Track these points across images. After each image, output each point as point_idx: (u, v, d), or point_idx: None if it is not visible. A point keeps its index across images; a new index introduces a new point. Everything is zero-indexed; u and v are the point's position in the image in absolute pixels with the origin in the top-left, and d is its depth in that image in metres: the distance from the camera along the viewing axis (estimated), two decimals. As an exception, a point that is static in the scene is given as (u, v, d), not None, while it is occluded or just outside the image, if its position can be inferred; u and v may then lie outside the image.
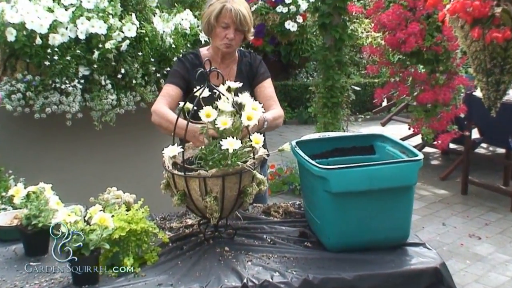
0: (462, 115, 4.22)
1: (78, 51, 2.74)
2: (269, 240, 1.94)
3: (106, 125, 2.93)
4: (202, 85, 1.85)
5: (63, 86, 2.74)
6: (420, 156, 1.82)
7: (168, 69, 3.05)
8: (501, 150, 5.77)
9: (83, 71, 2.78)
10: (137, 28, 2.89)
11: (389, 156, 2.01)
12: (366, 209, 1.80)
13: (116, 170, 3.37)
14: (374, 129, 7.52)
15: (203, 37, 3.19)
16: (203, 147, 1.87)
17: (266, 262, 1.76)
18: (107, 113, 2.91)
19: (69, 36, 2.73)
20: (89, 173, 3.29)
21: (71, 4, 2.79)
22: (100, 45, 2.77)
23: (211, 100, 1.92)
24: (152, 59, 3.03)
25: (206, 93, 1.86)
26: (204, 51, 2.53)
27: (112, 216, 1.70)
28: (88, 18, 2.74)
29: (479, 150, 6.23)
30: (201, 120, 1.82)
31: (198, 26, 3.25)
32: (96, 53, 2.76)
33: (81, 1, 2.79)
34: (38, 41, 2.63)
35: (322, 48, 4.79)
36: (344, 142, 2.21)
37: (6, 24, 2.60)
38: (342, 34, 4.65)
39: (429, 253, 1.84)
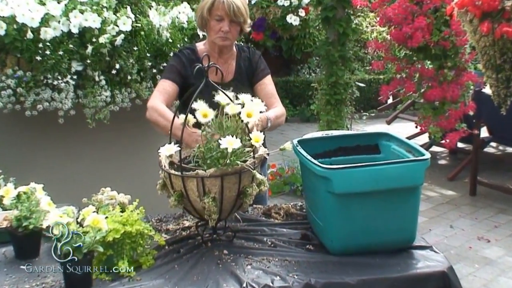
0: (471, 113, 4.22)
1: (71, 45, 2.74)
2: (269, 243, 1.94)
3: (100, 123, 2.93)
4: (200, 82, 1.84)
5: (55, 82, 2.73)
6: (427, 155, 1.82)
7: (165, 64, 3.05)
8: (511, 150, 5.77)
9: (76, 66, 2.78)
10: (132, 21, 2.88)
11: (395, 156, 2.01)
12: (370, 210, 1.80)
13: (111, 169, 3.37)
14: (379, 127, 7.52)
15: (201, 31, 3.19)
16: (200, 145, 1.86)
17: (267, 266, 1.76)
18: (101, 110, 2.90)
19: (62, 30, 2.72)
20: (82, 173, 3.29)
21: (64, -4, 2.79)
22: (94, 40, 2.77)
23: (210, 97, 1.92)
24: (148, 54, 3.02)
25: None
26: (200, 46, 2.53)
27: (106, 217, 1.70)
28: (82, 11, 2.73)
29: (488, 150, 6.23)
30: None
31: (196, 20, 3.25)
32: (90, 48, 2.76)
33: (74, -6, 2.79)
34: (29, 35, 2.62)
35: (325, 43, 4.79)
36: (348, 140, 2.21)
37: (-5, 18, 2.60)
38: (346, 28, 4.65)
39: (436, 257, 1.84)
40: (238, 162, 1.77)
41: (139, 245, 1.75)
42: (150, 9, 3.12)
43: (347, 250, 1.84)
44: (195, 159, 1.87)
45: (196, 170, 1.77)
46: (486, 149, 5.85)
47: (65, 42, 2.73)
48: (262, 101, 1.92)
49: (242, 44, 3.04)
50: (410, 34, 3.95)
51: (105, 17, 2.78)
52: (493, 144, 6.43)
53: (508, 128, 5.00)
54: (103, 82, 2.88)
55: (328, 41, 4.77)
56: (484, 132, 5.63)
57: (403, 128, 6.89)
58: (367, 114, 6.67)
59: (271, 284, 1.65)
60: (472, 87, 4.29)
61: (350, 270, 1.74)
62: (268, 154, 1.96)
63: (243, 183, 1.80)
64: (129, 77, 2.96)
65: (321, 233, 1.93)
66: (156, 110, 2.27)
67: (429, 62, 4.27)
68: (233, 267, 1.75)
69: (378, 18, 4.38)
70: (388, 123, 7.16)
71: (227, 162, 1.76)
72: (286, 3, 7.23)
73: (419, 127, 4.52)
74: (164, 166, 1.84)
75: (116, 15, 2.84)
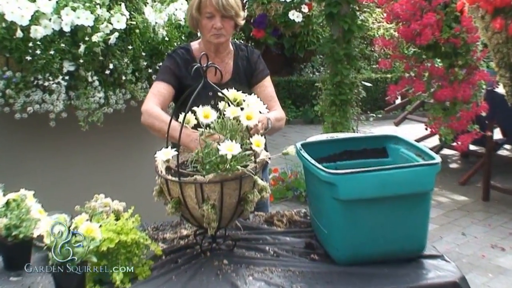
0: (484, 114, 4.22)
1: (62, 44, 2.74)
2: (272, 252, 1.94)
3: (93, 126, 2.93)
4: (197, 83, 1.84)
5: (46, 83, 2.74)
6: (438, 159, 1.82)
7: (161, 64, 3.05)
8: (526, 152, 5.78)
9: (68, 66, 2.78)
10: (126, 19, 2.89)
11: (404, 160, 2.01)
12: (378, 217, 1.80)
13: (104, 175, 3.36)
14: (387, 129, 7.52)
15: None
16: (199, 149, 1.87)
17: (269, 277, 1.76)
18: (94, 112, 2.91)
19: (53, 29, 2.73)
20: (75, 179, 3.29)
21: (55, -7, 2.79)
22: (87, 38, 2.77)
23: (207, 99, 1.93)
24: (144, 53, 3.03)
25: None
26: (195, 45, 2.54)
27: (100, 226, 1.70)
28: (74, 9, 2.74)
29: (502, 152, 6.22)
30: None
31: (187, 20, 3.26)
32: (82, 47, 2.76)
33: (65, -10, 2.80)
34: (19, 33, 2.63)
35: (329, 41, 4.80)
36: (354, 144, 2.21)
37: (-17, 16, 2.60)
38: (351, 25, 4.66)
39: (447, 266, 1.84)
40: (239, 167, 1.77)
41: (135, 255, 1.75)
42: (146, 5, 3.13)
43: (353, 260, 1.83)
44: (193, 164, 1.87)
45: (195, 176, 1.77)
46: (499, 152, 5.84)
47: (57, 41, 2.74)
48: None
49: (240, 42, 3.04)
50: (419, 31, 3.95)
51: (98, 15, 2.79)
52: (507, 146, 6.42)
53: (522, 129, 5.00)
54: (96, 83, 2.89)
55: (332, 39, 4.77)
56: (497, 134, 5.63)
57: (412, 130, 6.88)
58: (374, 115, 6.66)
59: (273, 296, 1.65)
60: (484, 86, 4.29)
61: (357, 281, 1.74)
62: (269, 158, 1.96)
63: (244, 189, 1.80)
64: (123, 78, 2.96)
65: (326, 242, 1.93)
66: (151, 114, 2.27)
67: (439, 61, 4.27)
68: (234, 278, 1.75)
69: (385, 14, 4.39)
70: (396, 124, 7.15)
71: (227, 167, 1.76)
72: (288, -1, 7.23)
73: (429, 129, 4.51)
74: (161, 171, 1.84)
75: (109, 12, 2.85)
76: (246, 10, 5.15)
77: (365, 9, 4.98)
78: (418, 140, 5.96)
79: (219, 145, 1.72)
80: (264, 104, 1.92)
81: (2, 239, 1.83)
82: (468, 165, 6.29)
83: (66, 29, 2.74)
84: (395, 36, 4.41)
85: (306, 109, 9.24)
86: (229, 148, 1.71)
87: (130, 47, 2.97)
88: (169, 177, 1.81)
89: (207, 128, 1.87)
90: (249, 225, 2.18)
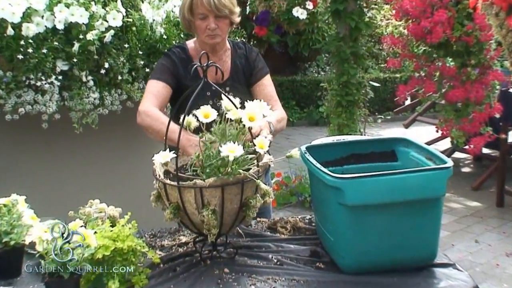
0: (497, 115, 4.22)
1: (55, 43, 2.74)
2: (275, 261, 1.94)
3: (87, 128, 2.93)
4: (196, 83, 1.84)
5: (38, 83, 2.74)
6: (450, 163, 1.82)
7: (157, 62, 3.06)
8: (543, 156, 5.75)
9: (61, 66, 2.78)
10: (123, 16, 2.89)
11: (414, 163, 2.01)
12: (387, 224, 1.80)
13: (100, 180, 3.37)
14: (396, 131, 7.52)
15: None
16: (199, 152, 1.87)
17: (272, 286, 1.76)
18: (88, 113, 2.91)
19: (46, 26, 2.73)
20: (69, 183, 3.29)
21: (48, -11, 2.80)
22: (81, 36, 2.77)
23: (205, 99, 1.93)
24: (140, 52, 3.03)
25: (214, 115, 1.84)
26: (191, 44, 2.55)
27: (95, 232, 1.71)
28: (67, 5, 2.74)
29: (517, 156, 6.21)
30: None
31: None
32: (76, 45, 2.77)
33: (59, -14, 2.80)
34: (10, 31, 2.63)
35: (335, 39, 4.80)
36: (362, 147, 2.21)
37: (-28, 13, 2.61)
38: (359, 22, 4.66)
39: (460, 275, 1.84)
40: (241, 171, 1.78)
41: (131, 263, 1.74)
42: (143, 2, 3.13)
43: (361, 268, 1.83)
44: (193, 168, 1.87)
45: (194, 180, 1.77)
46: (514, 155, 5.84)
47: (50, 39, 2.74)
48: None
49: (238, 40, 3.05)
50: (430, 28, 3.96)
51: (93, 12, 2.80)
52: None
53: (538, 132, 4.99)
54: (91, 83, 2.89)
55: (338, 37, 4.78)
56: (512, 137, 5.63)
57: (422, 133, 6.89)
58: (383, 117, 6.67)
59: (277, 306, 1.65)
60: (498, 86, 4.30)
61: (365, 291, 1.74)
62: (272, 161, 1.96)
63: (246, 194, 1.81)
64: (119, 77, 2.97)
65: (332, 250, 1.93)
66: (149, 115, 2.27)
67: (450, 60, 4.28)
68: (235, 287, 1.75)
69: (394, 11, 4.40)
70: (406, 126, 7.16)
71: (228, 170, 1.76)
72: (292, -5, 7.24)
73: (440, 131, 4.52)
74: (159, 175, 1.85)
75: (105, 9, 2.85)
76: (248, 7, 5.17)
77: (373, 6, 4.99)
78: (428, 143, 5.95)
79: (221, 146, 1.73)
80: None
81: (-8, 246, 1.84)
82: (481, 169, 6.28)
83: (60, 26, 2.75)
84: (405, 34, 4.43)
85: (310, 110, 9.26)
86: (231, 150, 1.71)
87: (126, 45, 2.97)
88: (168, 181, 1.82)
89: (208, 133, 1.86)
90: (251, 232, 2.18)
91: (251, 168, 1.82)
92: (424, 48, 4.36)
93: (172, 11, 3.23)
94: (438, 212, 1.86)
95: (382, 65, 9.83)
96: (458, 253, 4.28)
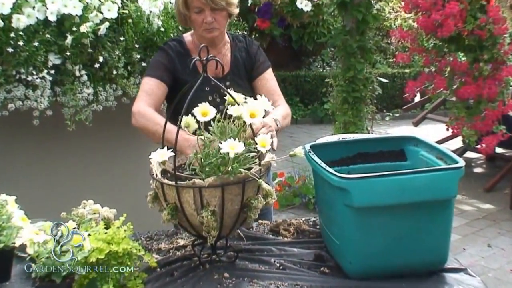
0: (511, 113, 4.22)
1: (47, 35, 2.75)
2: (278, 265, 1.94)
3: (80, 125, 2.94)
4: (195, 78, 1.83)
5: (29, 78, 2.74)
6: (461, 163, 1.81)
7: (152, 58, 3.05)
8: (559, 156, 5.76)
9: (53, 59, 2.79)
10: (118, 7, 2.89)
11: (424, 163, 2.01)
12: (395, 227, 1.80)
13: (93, 179, 3.37)
14: (404, 130, 7.52)
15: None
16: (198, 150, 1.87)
17: (274, 291, 1.76)
18: (81, 110, 2.91)
19: (37, 18, 2.73)
20: (61, 183, 3.29)
21: (39, -22, 2.80)
22: (74, 29, 2.78)
23: (205, 94, 1.92)
24: (137, 45, 3.03)
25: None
26: (188, 37, 2.55)
27: (89, 235, 1.71)
28: (60, -4, 2.75)
29: (532, 156, 6.22)
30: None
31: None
32: (69, 38, 2.77)
33: (51, -25, 2.80)
34: None
35: (341, 32, 4.80)
36: (369, 145, 2.21)
37: (-40, 3, 2.61)
38: (366, 14, 4.66)
39: (471, 281, 1.84)
40: (242, 170, 1.77)
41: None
42: (139, -7, 3.13)
43: (367, 273, 1.83)
44: (191, 167, 1.87)
45: (193, 179, 1.77)
46: (529, 155, 5.84)
47: (41, 31, 2.74)
48: None
49: (239, 33, 3.05)
50: (441, 21, 3.95)
51: (87, 3, 2.80)
52: (538, 149, 6.42)
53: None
54: (85, 78, 2.89)
55: (345, 30, 4.78)
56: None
57: (432, 131, 6.90)
58: (391, 114, 6.66)
59: (279, 313, 1.65)
60: (512, 83, 4.29)
61: (372, 297, 1.74)
62: (275, 160, 1.96)
63: (247, 194, 1.80)
64: (114, 72, 2.97)
65: (337, 254, 1.93)
66: (143, 115, 2.28)
67: (462, 54, 4.28)
68: (236, 292, 1.76)
69: (403, 3, 4.39)
70: (415, 124, 7.16)
71: (229, 169, 1.76)
72: (296, -14, 7.24)
73: (450, 130, 4.52)
74: (156, 174, 1.85)
75: (99, 0, 2.85)
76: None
77: (381, -3, 4.99)
78: (439, 142, 5.95)
79: (221, 143, 1.72)
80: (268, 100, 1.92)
81: (-20, 249, 1.84)
82: (494, 170, 6.28)
83: (52, 18, 2.75)
84: (414, 27, 4.42)
85: (315, 107, 9.26)
86: (231, 147, 1.70)
87: (122, 38, 2.97)
88: (165, 180, 1.81)
89: (207, 132, 1.86)
90: (252, 235, 2.18)
91: (252, 167, 1.82)
92: (435, 42, 4.35)
93: (170, 2, 3.23)
94: (449, 215, 1.86)
95: (390, 60, 9.83)
96: (469, 258, 4.28)
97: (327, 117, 8.07)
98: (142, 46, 3.08)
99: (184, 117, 1.84)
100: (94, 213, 2.02)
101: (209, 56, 1.84)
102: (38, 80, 2.76)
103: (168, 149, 1.82)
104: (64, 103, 2.87)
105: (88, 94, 2.91)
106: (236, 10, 2.45)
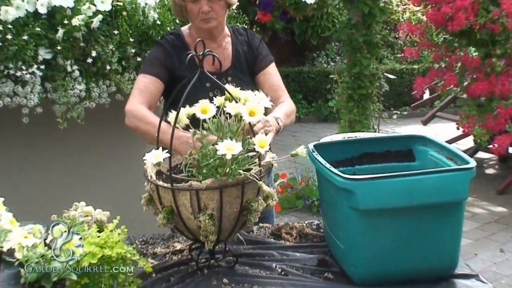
0: (526, 111, 4.21)
1: (37, 28, 2.75)
2: (279, 270, 1.94)
3: (72, 123, 2.94)
4: (191, 74, 1.83)
5: (18, 73, 2.74)
6: (472, 163, 1.81)
7: (148, 53, 3.06)
8: None
9: (44, 54, 2.79)
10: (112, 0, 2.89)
11: (433, 164, 2.01)
12: (403, 230, 1.80)
13: (86, 180, 3.37)
14: (413, 128, 7.52)
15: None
16: (193, 152, 1.86)
17: (276, 298, 1.77)
18: (73, 107, 2.91)
19: (26, 10, 2.73)
20: (52, 184, 3.29)
21: (29, -31, 2.80)
22: (66, 22, 2.78)
23: (205, 90, 1.91)
24: (132, 39, 3.03)
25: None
26: (186, 30, 2.55)
27: (80, 238, 1.71)
28: (51, -13, 2.75)
29: (547, 156, 6.21)
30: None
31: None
32: (61, 32, 2.77)
33: (41, -34, 2.80)
34: (-13, 16, 2.64)
35: (347, 26, 4.80)
36: (375, 145, 2.21)
37: None
38: (372, 7, 4.66)
39: (483, 288, 1.84)
40: (241, 171, 1.77)
41: (121, 273, 1.75)
42: (134, -16, 3.13)
43: (374, 279, 1.83)
44: (188, 168, 1.87)
45: (190, 181, 1.77)
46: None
47: (31, 24, 2.74)
48: (267, 95, 1.93)
49: (239, 26, 3.04)
50: (451, 15, 3.96)
51: (79, -6, 2.80)
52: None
53: None
54: (77, 73, 2.89)
55: (350, 23, 4.78)
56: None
57: (442, 130, 6.90)
58: (398, 112, 6.66)
59: (281, 321, 1.65)
60: (526, 79, 4.29)
61: (378, 304, 1.75)
62: (276, 161, 1.96)
63: (247, 196, 1.80)
64: (108, 67, 2.97)
65: (342, 258, 1.93)
66: (135, 115, 2.28)
67: (473, 49, 4.28)
68: (235, 299, 1.76)
69: (411, -5, 4.39)
70: (424, 123, 7.16)
71: (227, 171, 1.76)
72: (299, -23, 7.24)
73: (461, 129, 4.52)
74: (150, 176, 1.84)
75: (92, -9, 2.86)
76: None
77: (388, -11, 4.99)
78: (449, 142, 5.95)
79: (217, 144, 1.72)
80: (268, 95, 1.92)
81: (-34, 253, 1.84)
82: (507, 171, 6.28)
83: (42, 10, 2.75)
84: (423, 20, 4.42)
85: (319, 104, 9.26)
86: (229, 148, 1.70)
87: (116, 32, 2.97)
88: (160, 183, 1.81)
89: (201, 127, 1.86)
90: (253, 239, 2.18)
91: (252, 168, 1.82)
92: (445, 36, 4.36)
93: (167, -6, 3.23)
94: (459, 218, 1.86)
95: (398, 55, 9.83)
96: (481, 263, 4.28)
97: (332, 115, 8.08)
98: (137, 40, 3.08)
99: (173, 112, 1.84)
100: (87, 216, 2.03)
101: (209, 50, 1.84)
102: (28, 76, 2.76)
103: (163, 149, 1.81)
104: (55, 100, 2.87)
105: (80, 91, 2.91)
106: (234, 0, 2.45)
